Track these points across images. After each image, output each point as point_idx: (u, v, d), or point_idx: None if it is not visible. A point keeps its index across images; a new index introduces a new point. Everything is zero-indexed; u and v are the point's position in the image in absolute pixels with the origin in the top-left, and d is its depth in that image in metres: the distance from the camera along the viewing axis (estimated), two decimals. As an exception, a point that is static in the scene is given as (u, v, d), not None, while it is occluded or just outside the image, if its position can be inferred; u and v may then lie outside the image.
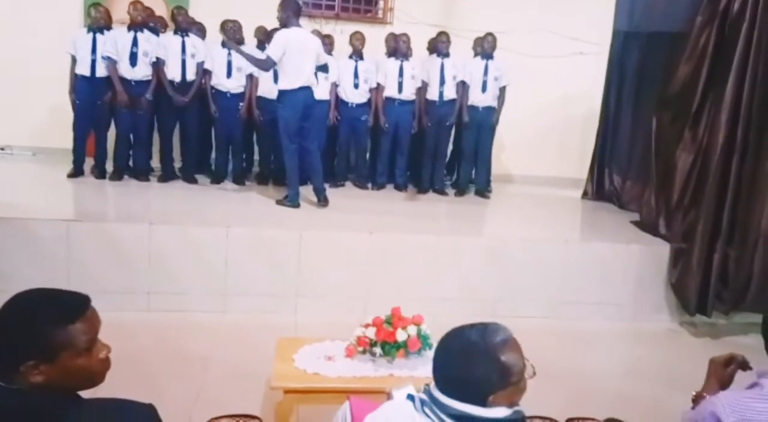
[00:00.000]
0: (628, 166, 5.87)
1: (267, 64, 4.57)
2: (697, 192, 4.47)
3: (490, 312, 4.12)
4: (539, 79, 6.89)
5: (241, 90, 5.47)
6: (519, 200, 6.35)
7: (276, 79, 5.27)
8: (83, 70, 5.14)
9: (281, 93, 4.66)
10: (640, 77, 5.71)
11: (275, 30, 4.85)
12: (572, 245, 4.45)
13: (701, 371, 1.82)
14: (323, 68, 4.82)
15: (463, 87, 5.73)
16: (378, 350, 2.49)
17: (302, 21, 4.89)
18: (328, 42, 5.70)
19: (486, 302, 4.19)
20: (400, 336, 2.48)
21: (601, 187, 6.17)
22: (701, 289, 4.27)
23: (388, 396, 1.43)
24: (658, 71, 5.27)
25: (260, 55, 4.94)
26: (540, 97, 6.99)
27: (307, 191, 5.03)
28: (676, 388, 1.96)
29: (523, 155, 7.13)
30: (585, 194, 6.28)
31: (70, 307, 1.20)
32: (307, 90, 4.61)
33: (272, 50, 4.51)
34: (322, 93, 5.36)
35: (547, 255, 4.32)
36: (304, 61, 4.56)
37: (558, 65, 6.98)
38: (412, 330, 2.51)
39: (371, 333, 2.51)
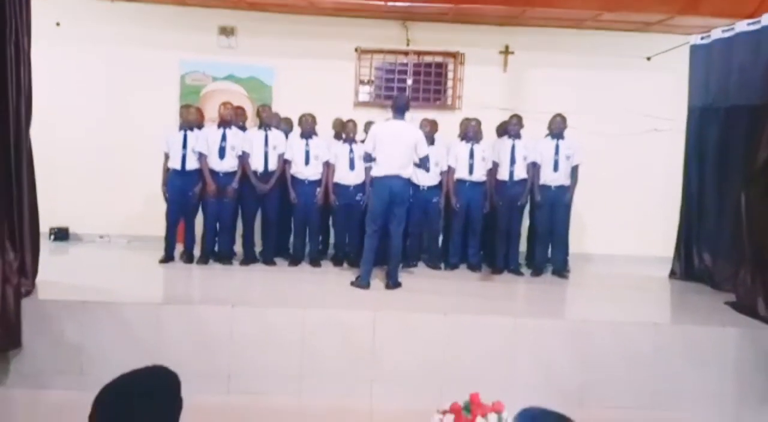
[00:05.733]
0: (718, 243, 5.54)
1: (365, 158, 5.17)
2: (798, 269, 4.15)
3: (575, 400, 3.88)
4: (614, 157, 6.81)
5: (318, 176, 5.75)
6: (600, 280, 6.09)
7: (352, 166, 5.59)
8: (175, 164, 5.57)
9: (372, 179, 5.08)
10: (722, 152, 5.51)
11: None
12: (663, 328, 4.19)
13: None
14: (423, 164, 5.10)
15: (533, 167, 5.76)
16: (457, 439, 2.40)
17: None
18: (426, 124, 5.89)
19: (571, 390, 3.95)
20: (480, 424, 2.39)
21: (690, 265, 5.83)
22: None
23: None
24: (741, 145, 5.09)
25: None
26: (616, 174, 6.87)
27: (382, 273, 5.09)
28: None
29: (602, 233, 6.92)
30: (673, 274, 5.94)
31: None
32: (393, 178, 4.87)
33: (365, 144, 5.13)
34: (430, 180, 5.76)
35: (636, 340, 4.08)
36: (395, 151, 4.88)
37: (633, 143, 6.89)
38: (492, 418, 2.41)
39: (449, 420, 2.43)
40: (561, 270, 5.83)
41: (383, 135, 4.93)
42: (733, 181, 5.15)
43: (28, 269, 4.10)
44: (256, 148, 5.65)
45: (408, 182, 5.06)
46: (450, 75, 7.19)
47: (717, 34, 5.52)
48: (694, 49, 5.84)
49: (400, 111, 5.01)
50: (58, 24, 6.67)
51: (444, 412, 2.47)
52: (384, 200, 4.90)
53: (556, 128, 5.77)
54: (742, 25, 5.15)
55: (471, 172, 5.83)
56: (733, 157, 5.30)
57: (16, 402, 3.72)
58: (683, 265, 5.88)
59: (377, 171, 4.95)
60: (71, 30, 6.72)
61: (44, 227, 4.49)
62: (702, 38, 5.74)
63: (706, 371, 4.04)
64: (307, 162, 5.73)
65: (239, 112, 5.88)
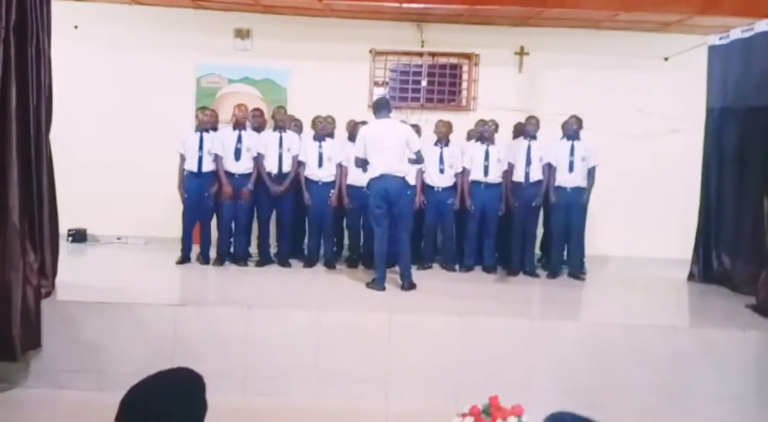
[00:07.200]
0: (737, 245, 5.46)
1: (357, 163, 5.05)
2: (820, 272, 4.07)
3: (591, 404, 3.83)
4: (632, 158, 6.76)
5: (332, 178, 5.75)
6: (617, 282, 6.04)
7: (365, 168, 5.55)
8: (191, 166, 5.60)
9: (368, 181, 4.99)
10: (742, 153, 5.43)
11: (361, 123, 5.60)
12: (681, 332, 4.13)
13: None
14: (417, 160, 5.04)
15: (549, 169, 5.72)
16: (476, 442, 2.38)
17: (392, 112, 5.19)
18: (442, 125, 5.96)
19: (587, 393, 3.91)
20: (499, 427, 2.37)
21: (708, 268, 5.75)
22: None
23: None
24: (760, 146, 5.02)
25: (351, 146, 5.47)
26: (633, 176, 6.82)
27: (396, 274, 5.08)
28: None
29: (619, 235, 6.85)
30: (691, 276, 5.86)
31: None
32: (389, 177, 4.81)
33: (355, 148, 5.06)
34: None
35: (654, 343, 4.02)
36: (387, 151, 4.82)
37: (650, 144, 6.82)
38: (512, 421, 2.39)
39: (468, 423, 2.42)
40: (577, 272, 5.78)
41: (373, 135, 4.85)
42: (753, 183, 5.07)
43: (48, 270, 4.14)
44: (270, 150, 5.67)
45: (405, 182, 4.98)
46: (465, 76, 7.18)
47: (736, 34, 5.44)
48: (713, 50, 5.76)
49: (383, 109, 4.94)
50: (76, 27, 6.75)
51: (464, 415, 2.46)
52: (382, 201, 4.83)
53: (571, 129, 5.73)
54: (762, 25, 5.08)
55: (486, 173, 5.81)
56: (752, 158, 5.23)
57: (35, 403, 3.76)
58: (702, 268, 5.80)
59: (372, 172, 4.87)
60: (89, 33, 6.81)
61: (62, 228, 4.54)
62: (720, 38, 5.66)
63: (726, 375, 3.98)
64: (320, 164, 5.73)
65: (258, 114, 5.91)
